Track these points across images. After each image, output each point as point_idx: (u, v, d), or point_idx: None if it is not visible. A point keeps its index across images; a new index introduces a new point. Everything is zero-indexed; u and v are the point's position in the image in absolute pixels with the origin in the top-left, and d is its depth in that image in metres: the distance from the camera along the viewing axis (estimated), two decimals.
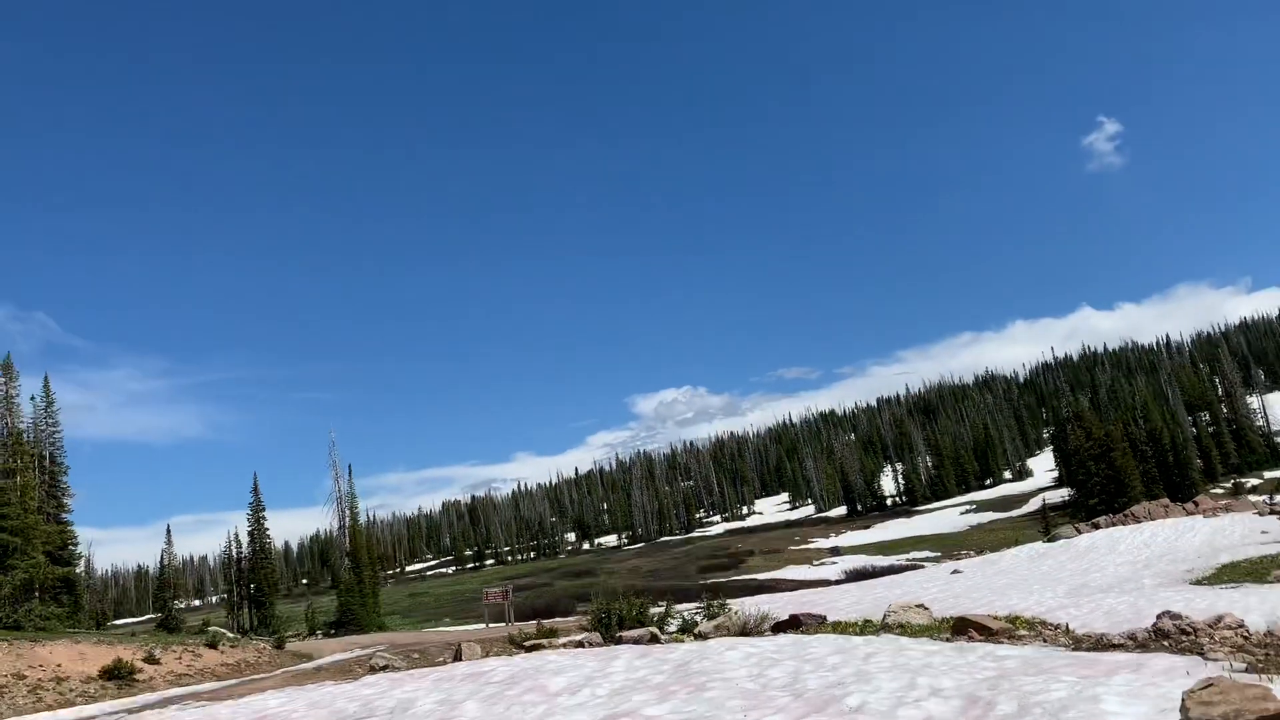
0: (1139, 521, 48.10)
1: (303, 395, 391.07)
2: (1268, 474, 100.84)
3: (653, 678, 9.77)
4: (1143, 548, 42.24)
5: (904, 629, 12.67)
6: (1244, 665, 7.53)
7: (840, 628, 14.30)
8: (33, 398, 52.70)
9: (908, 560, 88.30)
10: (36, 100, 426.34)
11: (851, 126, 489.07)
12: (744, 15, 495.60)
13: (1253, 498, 74.75)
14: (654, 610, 24.16)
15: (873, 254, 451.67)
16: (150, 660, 35.14)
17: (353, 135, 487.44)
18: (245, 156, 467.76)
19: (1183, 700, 5.78)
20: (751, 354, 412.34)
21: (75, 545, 50.62)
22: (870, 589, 44.84)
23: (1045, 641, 10.45)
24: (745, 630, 17.20)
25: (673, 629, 22.99)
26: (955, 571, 46.25)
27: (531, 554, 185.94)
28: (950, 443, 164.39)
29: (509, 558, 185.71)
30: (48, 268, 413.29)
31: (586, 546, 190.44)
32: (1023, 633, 11.25)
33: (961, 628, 11.36)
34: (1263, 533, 39.89)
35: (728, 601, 24.38)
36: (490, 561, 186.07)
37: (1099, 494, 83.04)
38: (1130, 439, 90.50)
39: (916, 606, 13.90)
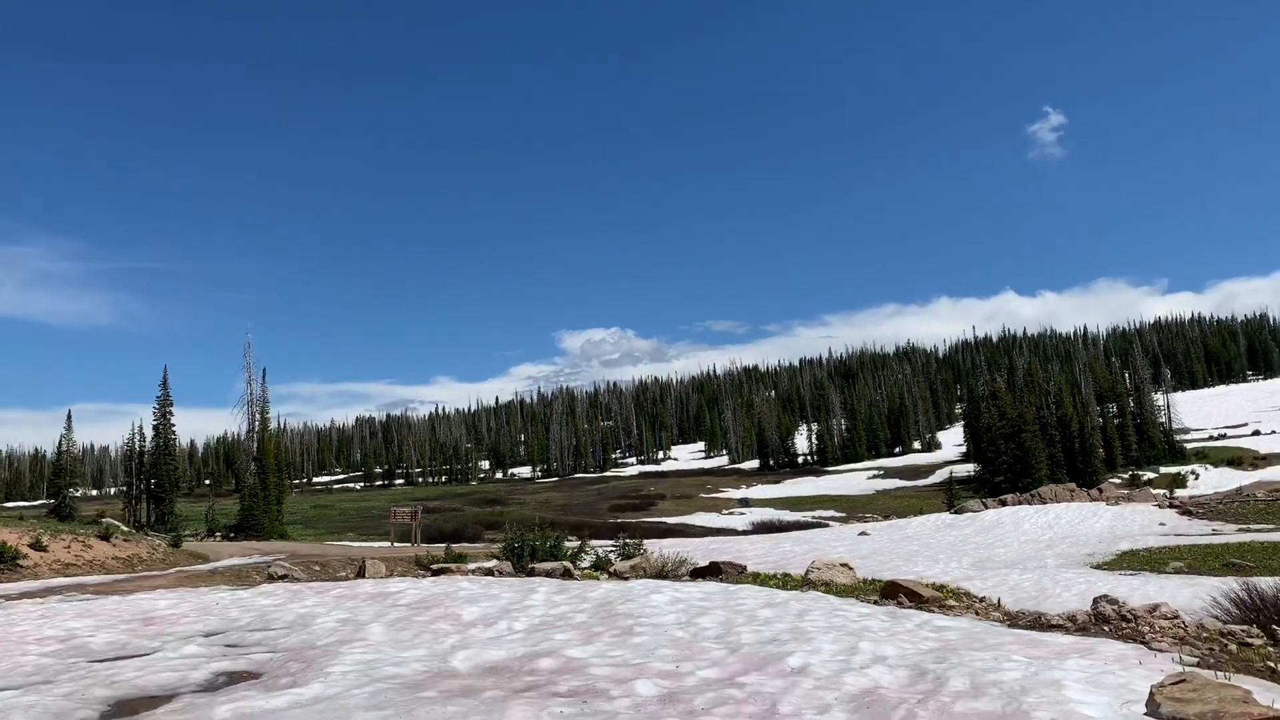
0: (1045, 503, 49.21)
1: (222, 294, 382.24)
2: (1164, 469, 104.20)
3: (574, 615, 9.24)
4: (1046, 528, 43.17)
5: (829, 587, 12.35)
6: (1195, 659, 7.24)
7: (762, 579, 13.96)
8: None
9: (814, 518, 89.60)
10: None
11: (804, 85, 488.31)
12: None
13: (1152, 490, 77.36)
14: (568, 545, 23.74)
15: (808, 216, 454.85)
16: (37, 547, 33.77)
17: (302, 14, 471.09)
18: (190, 27, 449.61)
19: (1151, 694, 5.41)
20: (682, 302, 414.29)
21: None
22: (778, 542, 45.20)
23: (978, 615, 10.17)
24: (663, 573, 16.83)
25: (585, 565, 22.60)
26: (862, 534, 46.85)
27: (444, 478, 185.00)
28: (865, 408, 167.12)
29: (420, 479, 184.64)
30: None
31: (500, 476, 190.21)
32: (953, 603, 10.97)
33: (891, 592, 11.04)
34: (1160, 524, 41.01)
35: (643, 542, 24.01)
36: (400, 481, 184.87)
37: (1005, 472, 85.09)
38: (1041, 422, 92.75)
39: (841, 565, 13.62)
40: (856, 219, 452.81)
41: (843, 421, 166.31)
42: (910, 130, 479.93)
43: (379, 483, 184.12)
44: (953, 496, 77.26)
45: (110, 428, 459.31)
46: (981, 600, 12.33)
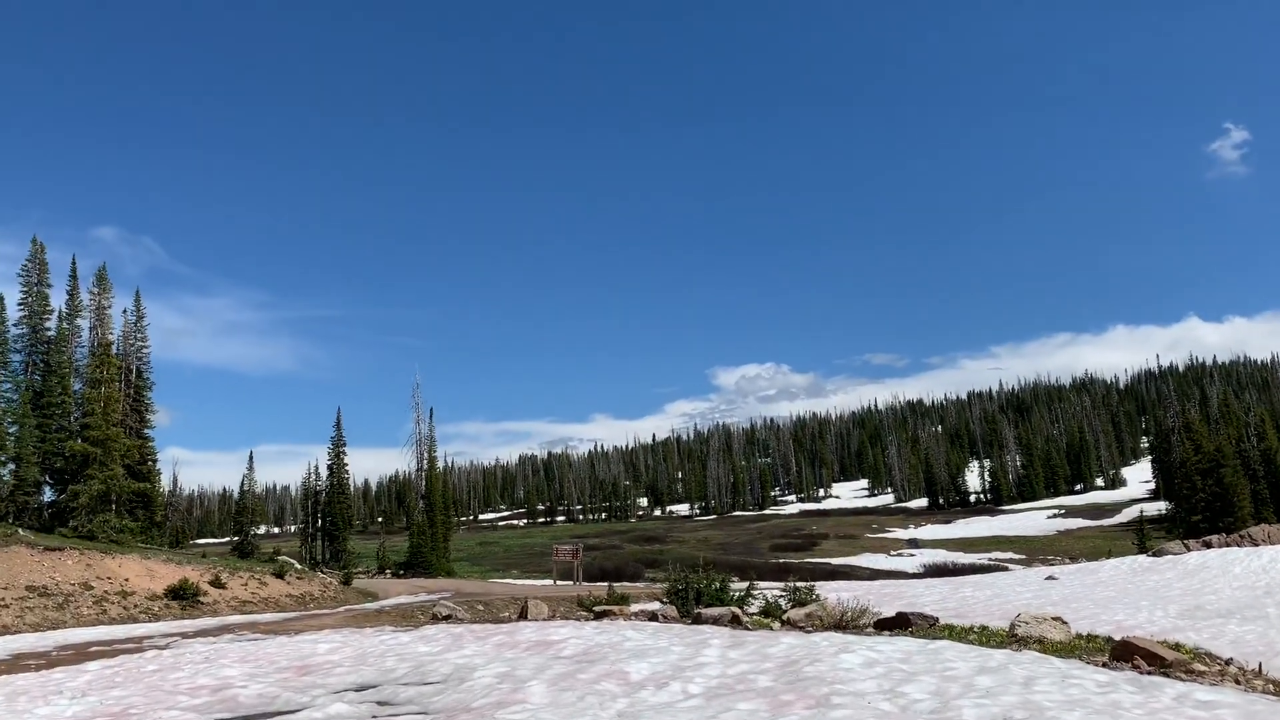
0: (1256, 544, 44.66)
1: (393, 339, 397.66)
2: None
3: (756, 678, 8.09)
4: (1261, 573, 38.97)
5: (1043, 644, 10.76)
6: None
7: (959, 633, 12.43)
8: (124, 311, 53.18)
9: (990, 560, 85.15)
10: (153, 34, 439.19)
11: (963, 113, 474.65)
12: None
13: None
14: (734, 587, 22.56)
15: (972, 245, 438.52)
16: (217, 584, 34.86)
17: (467, 108, 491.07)
18: (354, 102, 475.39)
19: None
20: (839, 336, 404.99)
21: (154, 461, 51.10)
22: (956, 587, 42.42)
23: (1239, 684, 8.46)
24: (842, 624, 15.44)
25: (754, 610, 21.36)
26: (1050, 578, 43.55)
27: (603, 515, 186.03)
28: (1042, 443, 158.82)
29: (580, 516, 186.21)
30: (157, 193, 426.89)
31: (658, 513, 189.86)
32: (1200, 667, 9.26)
33: (1124, 653, 9.42)
34: None
35: (815, 586, 22.52)
36: (562, 518, 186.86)
37: (1203, 511, 78.47)
38: (1242, 456, 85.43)
39: (1053, 619, 11.96)
40: (1023, 245, 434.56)
41: (1017, 457, 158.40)
42: (1079, 150, 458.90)
43: (541, 519, 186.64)
44: (1144, 537, 71.79)
45: (290, 467, 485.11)
46: (1229, 663, 10.51)
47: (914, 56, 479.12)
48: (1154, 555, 46.57)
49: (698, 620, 17.66)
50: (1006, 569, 70.65)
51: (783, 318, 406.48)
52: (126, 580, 32.86)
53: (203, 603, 33.05)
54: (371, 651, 12.12)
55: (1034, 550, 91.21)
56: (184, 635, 23.67)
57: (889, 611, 17.30)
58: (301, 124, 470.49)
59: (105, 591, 31.34)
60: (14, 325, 47.34)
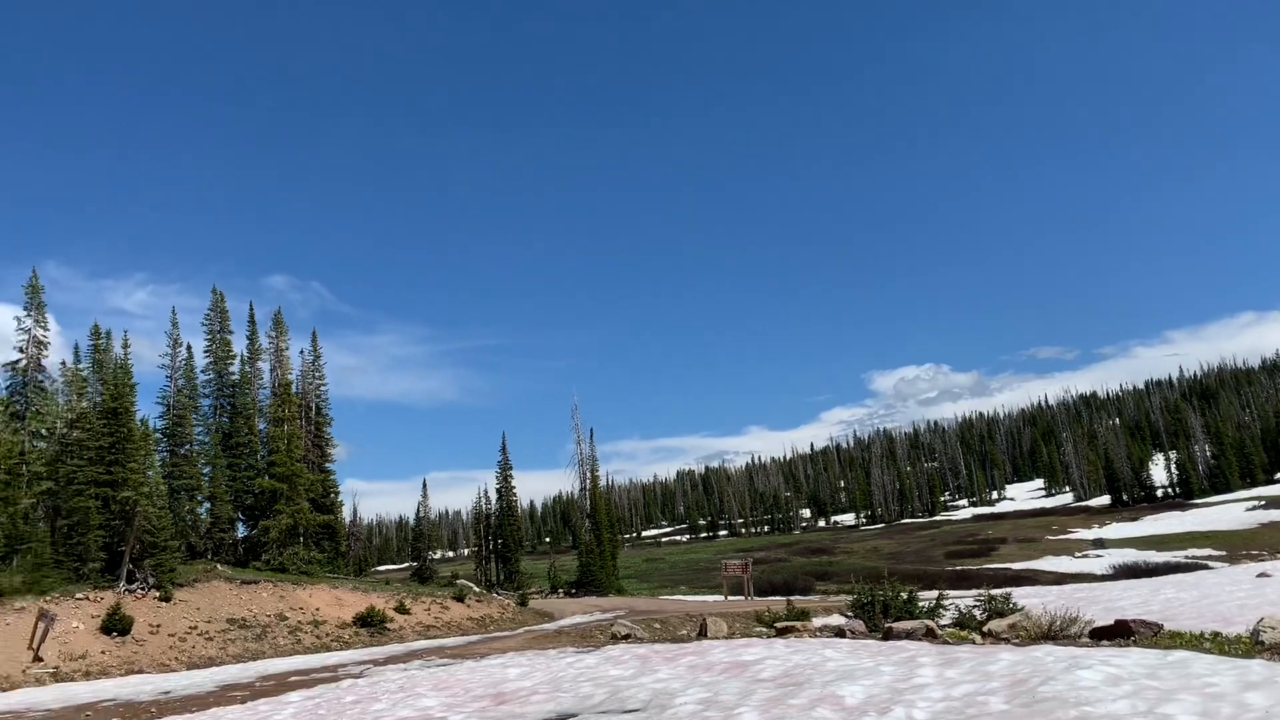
0: None
1: (548, 363, 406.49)
2: None
3: (986, 699, 7.40)
4: None
5: None
6: None
7: (1191, 642, 11.31)
8: (301, 352, 55.88)
9: (1186, 558, 79.57)
10: (323, 91, 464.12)
11: (1136, 85, 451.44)
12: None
13: None
14: (921, 598, 21.51)
15: (1138, 226, 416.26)
16: (401, 610, 35.81)
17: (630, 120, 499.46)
18: (507, 132, 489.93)
19: None
20: (1000, 331, 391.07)
21: (336, 494, 53.25)
22: (1155, 589, 39.66)
23: None
24: (1051, 634, 14.38)
25: (946, 623, 20.30)
26: (1263, 575, 40.20)
27: (765, 528, 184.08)
28: (1233, 431, 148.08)
29: (742, 530, 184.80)
30: (323, 240, 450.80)
31: (822, 524, 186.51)
32: None
33: None
34: None
35: (1011, 594, 21.21)
36: (724, 533, 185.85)
37: None
38: None
39: None
40: (1194, 221, 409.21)
41: (1206, 447, 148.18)
42: (1250, 115, 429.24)
43: (703, 534, 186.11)
44: None
45: (461, 492, 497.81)
46: None
47: (1058, 54, 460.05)
48: None
49: (889, 635, 16.84)
50: (1207, 567, 65.95)
51: (939, 316, 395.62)
52: (317, 610, 34.15)
53: (389, 629, 34.04)
54: (563, 676, 11.92)
55: (1234, 545, 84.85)
56: (375, 662, 24.29)
57: (1090, 617, 16.07)
58: (446, 167, 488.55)
59: (299, 621, 32.60)
60: (201, 372, 50.48)
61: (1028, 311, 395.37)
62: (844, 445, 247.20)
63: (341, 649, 30.73)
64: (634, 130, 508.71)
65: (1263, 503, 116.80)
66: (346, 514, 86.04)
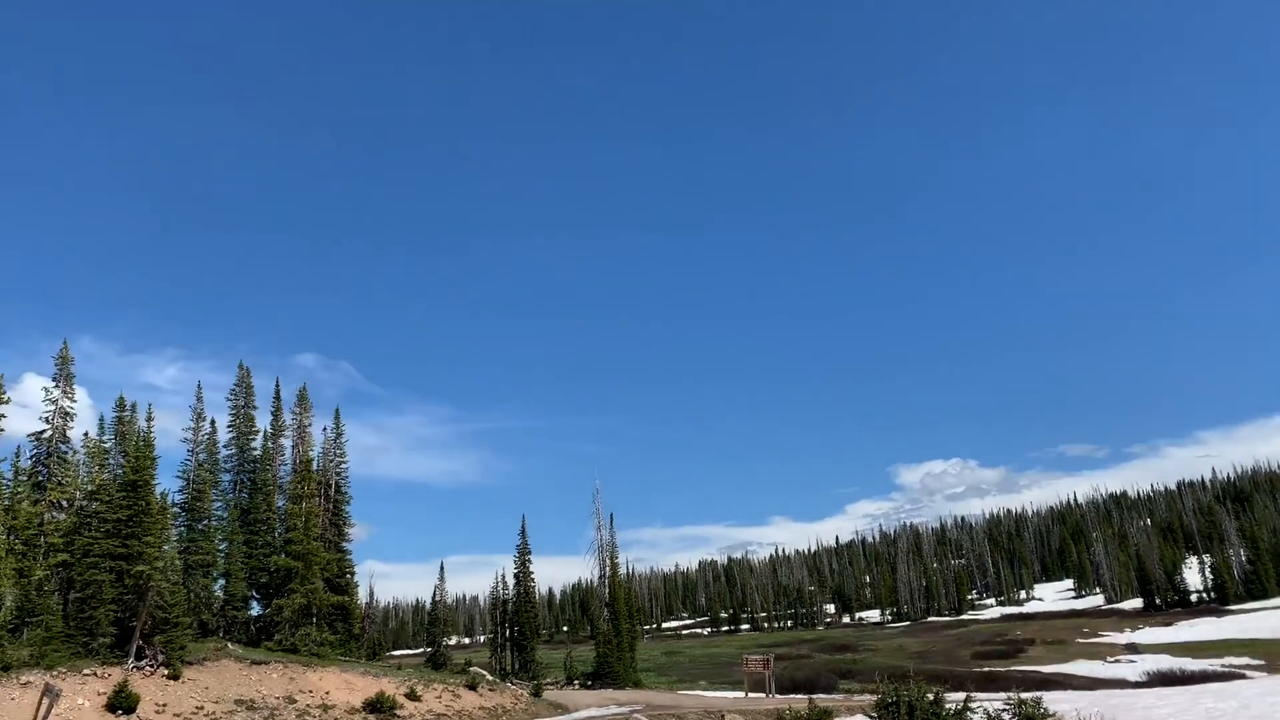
0: None
1: (571, 446, 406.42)
2: None
3: None
4: None
5: None
6: None
7: None
8: (324, 429, 55.75)
9: (1223, 666, 76.83)
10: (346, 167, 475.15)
11: (1156, 177, 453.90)
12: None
13: None
14: (949, 700, 20.60)
15: (1171, 326, 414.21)
16: (412, 697, 34.96)
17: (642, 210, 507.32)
18: (528, 213, 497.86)
19: None
20: (1028, 428, 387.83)
21: (352, 574, 52.53)
22: (1195, 698, 38.02)
23: None
24: None
25: None
26: None
27: (789, 622, 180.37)
28: (1269, 535, 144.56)
29: (765, 624, 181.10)
30: (352, 321, 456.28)
31: (846, 620, 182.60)
32: None
33: None
34: None
35: (1041, 698, 20.29)
36: (746, 626, 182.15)
37: None
38: None
39: None
40: (1227, 322, 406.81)
41: (1242, 552, 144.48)
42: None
43: (724, 627, 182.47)
44: None
45: (479, 577, 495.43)
46: None
47: (1092, 148, 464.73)
48: None
49: None
50: (1245, 676, 63.60)
51: (966, 412, 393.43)
52: (327, 693, 33.38)
53: (399, 715, 33.16)
54: None
55: (1274, 655, 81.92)
56: None
57: None
58: (471, 250, 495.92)
59: (307, 705, 31.85)
60: (224, 447, 50.39)
61: (1056, 408, 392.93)
62: (869, 539, 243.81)
63: None
64: (660, 220, 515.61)
65: None
66: (362, 595, 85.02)
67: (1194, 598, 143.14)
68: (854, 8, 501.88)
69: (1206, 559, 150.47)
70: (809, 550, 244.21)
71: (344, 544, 53.05)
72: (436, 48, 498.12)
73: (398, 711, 33.23)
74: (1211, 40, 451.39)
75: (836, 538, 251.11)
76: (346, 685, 34.89)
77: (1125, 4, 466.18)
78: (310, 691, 33.10)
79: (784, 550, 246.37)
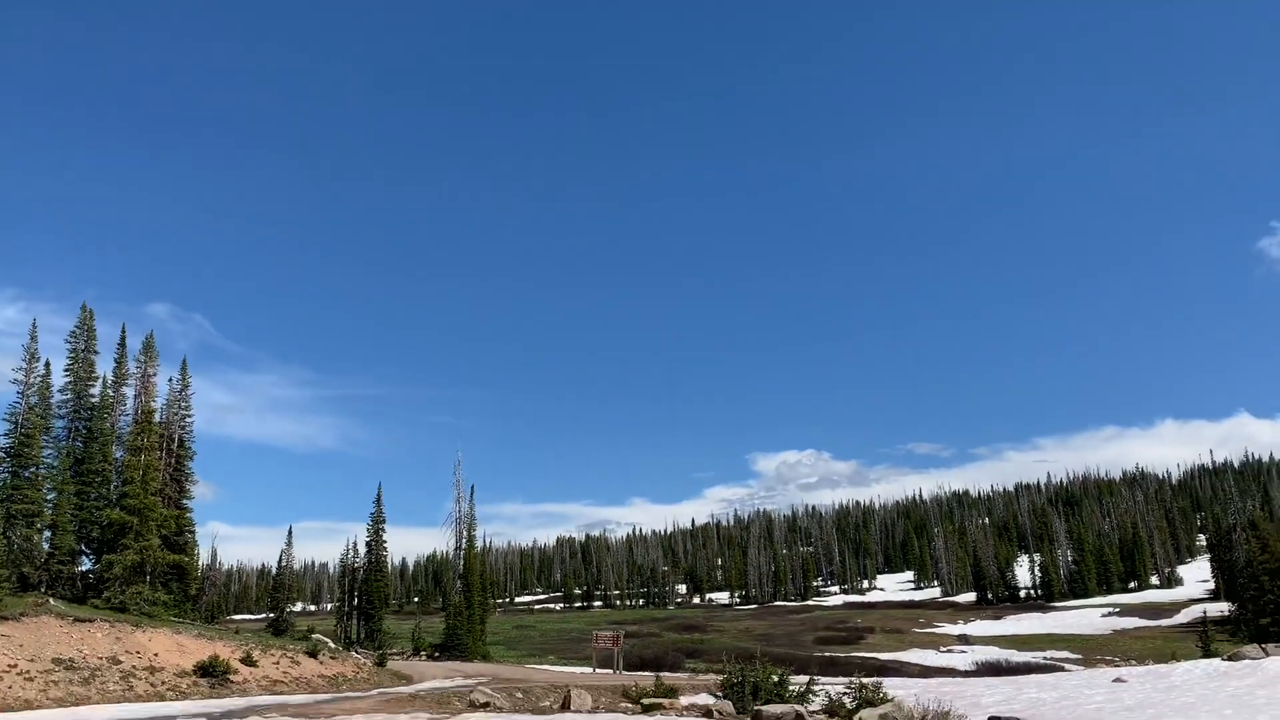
0: None
1: (434, 418, 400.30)
2: None
3: None
4: None
5: None
6: None
7: None
8: (170, 380, 52.99)
9: (1045, 659, 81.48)
10: (205, 103, 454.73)
11: (1011, 202, 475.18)
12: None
13: None
14: (793, 682, 20.99)
15: (1017, 336, 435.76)
16: (248, 662, 33.69)
17: (519, 185, 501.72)
18: (402, 175, 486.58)
19: None
20: (881, 424, 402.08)
21: (192, 533, 50.31)
22: (1019, 687, 39.95)
23: None
24: None
25: (815, 708, 19.80)
26: (1119, 680, 40.94)
27: (641, 601, 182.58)
28: (1093, 539, 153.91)
29: (618, 602, 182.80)
30: (207, 270, 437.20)
31: (697, 600, 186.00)
32: None
33: None
34: None
35: (881, 683, 20.88)
36: (599, 604, 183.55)
37: (1272, 613, 74.79)
38: None
39: None
40: (1069, 337, 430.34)
41: (1069, 553, 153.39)
42: (1128, 246, 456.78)
43: (578, 604, 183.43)
44: (1208, 640, 68.18)
45: (330, 545, 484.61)
46: None
47: (953, 156, 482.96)
48: (1230, 659, 43.80)
49: (758, 718, 16.23)
50: (1063, 669, 67.35)
51: (823, 404, 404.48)
52: (156, 655, 31.80)
53: (233, 681, 31.86)
54: None
55: (1090, 649, 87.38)
56: (209, 717, 22.51)
57: (961, 712, 15.77)
58: (348, 204, 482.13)
59: (133, 666, 30.27)
60: (59, 391, 47.11)
61: (907, 407, 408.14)
62: (724, 523, 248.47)
63: (176, 699, 28.53)
64: (534, 190, 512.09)
65: (1117, 610, 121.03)
66: (205, 556, 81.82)
67: (1023, 594, 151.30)
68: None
69: (1037, 558, 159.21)
70: (665, 531, 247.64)
71: (185, 501, 50.66)
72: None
73: (231, 677, 31.91)
74: (1060, 52, 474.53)
75: (693, 520, 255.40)
76: (178, 647, 33.28)
77: (974, 15, 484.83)
78: (138, 653, 31.43)
79: (641, 530, 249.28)
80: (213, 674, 31.12)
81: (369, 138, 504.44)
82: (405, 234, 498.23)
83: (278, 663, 35.29)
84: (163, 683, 30.03)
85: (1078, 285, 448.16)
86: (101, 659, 29.90)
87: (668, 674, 44.37)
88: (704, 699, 23.26)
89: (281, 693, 31.75)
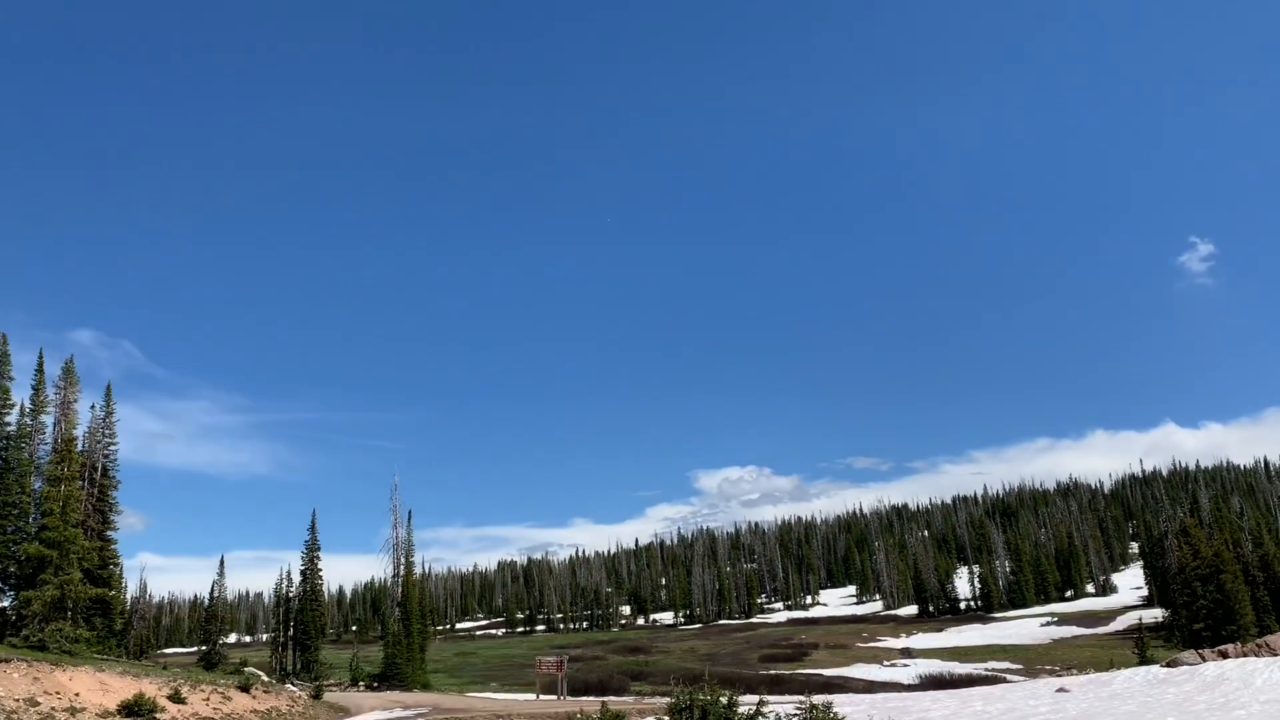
0: (1275, 654, 42.43)
1: (370, 443, 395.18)
2: None
3: None
4: None
5: None
6: None
7: None
8: (92, 407, 50.99)
9: (987, 670, 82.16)
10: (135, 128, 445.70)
11: (941, 221, 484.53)
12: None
13: None
14: (742, 703, 20.48)
15: (949, 352, 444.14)
16: (176, 699, 32.31)
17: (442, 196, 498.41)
18: (336, 205, 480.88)
19: None
20: (820, 440, 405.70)
21: (117, 565, 48.35)
22: (965, 701, 39.98)
23: None
24: None
25: None
26: (1061, 690, 41.22)
27: (585, 624, 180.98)
28: (1031, 549, 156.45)
29: (561, 625, 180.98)
30: (136, 297, 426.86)
31: (641, 621, 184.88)
32: None
33: None
34: None
35: (832, 703, 20.44)
36: (542, 627, 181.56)
37: (1204, 619, 76.13)
38: (1241, 562, 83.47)
39: None
40: (1000, 352, 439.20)
41: (1007, 563, 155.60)
42: (1053, 262, 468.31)
43: (520, 629, 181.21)
44: (1144, 646, 69.21)
45: (265, 574, 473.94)
46: None
47: (889, 168, 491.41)
48: (1168, 666, 44.34)
49: None
50: (1005, 679, 67.89)
51: (763, 421, 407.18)
52: (77, 695, 30.33)
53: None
54: None
55: (1031, 659, 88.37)
56: None
57: None
58: (277, 228, 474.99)
59: (52, 708, 28.81)
60: None
61: (846, 422, 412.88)
62: (667, 542, 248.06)
63: None
64: (462, 208, 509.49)
65: (1055, 619, 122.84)
66: (133, 589, 79.19)
67: (963, 605, 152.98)
68: None
69: (976, 569, 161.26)
70: (608, 552, 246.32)
71: (109, 532, 48.67)
72: None
73: (158, 715, 30.54)
74: (980, 69, 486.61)
75: (636, 540, 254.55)
76: (101, 686, 31.81)
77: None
78: (57, 693, 29.94)
79: (584, 552, 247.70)
80: (138, 713, 29.76)
81: (297, 161, 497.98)
82: (331, 254, 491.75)
83: (208, 699, 33.93)
84: None
85: (1006, 301, 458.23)
86: (18, 701, 28.41)
87: (613, 698, 43.68)
88: None
89: None
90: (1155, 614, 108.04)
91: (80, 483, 45.23)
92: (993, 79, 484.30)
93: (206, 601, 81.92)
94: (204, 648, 68.68)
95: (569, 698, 48.84)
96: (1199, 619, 77.44)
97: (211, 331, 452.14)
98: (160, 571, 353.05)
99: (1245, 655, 44.65)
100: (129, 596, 70.17)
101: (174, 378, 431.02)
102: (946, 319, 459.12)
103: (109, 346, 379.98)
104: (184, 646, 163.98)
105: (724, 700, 19.50)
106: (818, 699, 20.05)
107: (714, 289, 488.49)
